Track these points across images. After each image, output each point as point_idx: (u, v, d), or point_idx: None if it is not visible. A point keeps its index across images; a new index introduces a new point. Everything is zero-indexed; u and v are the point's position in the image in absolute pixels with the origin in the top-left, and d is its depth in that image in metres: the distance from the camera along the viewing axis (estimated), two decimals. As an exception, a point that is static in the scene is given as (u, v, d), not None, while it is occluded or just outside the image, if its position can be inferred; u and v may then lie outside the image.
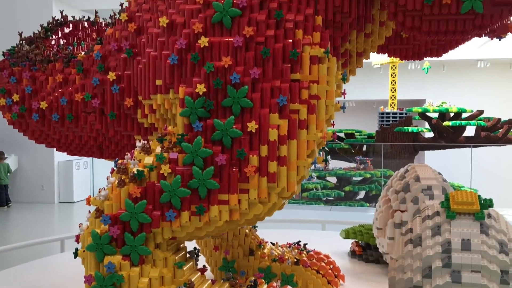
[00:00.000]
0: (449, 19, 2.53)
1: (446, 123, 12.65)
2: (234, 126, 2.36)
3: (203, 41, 2.39)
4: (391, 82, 16.31)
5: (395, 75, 16.34)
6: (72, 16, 4.35)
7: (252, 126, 2.34)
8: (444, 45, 3.43)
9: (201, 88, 2.38)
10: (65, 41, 4.23)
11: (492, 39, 3.35)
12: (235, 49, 2.40)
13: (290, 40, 2.46)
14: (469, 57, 20.27)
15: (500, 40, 3.39)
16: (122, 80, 2.81)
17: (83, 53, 3.24)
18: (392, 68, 16.56)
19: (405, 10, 2.56)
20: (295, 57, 2.41)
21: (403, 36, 3.38)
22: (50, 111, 3.04)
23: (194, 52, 2.43)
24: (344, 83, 2.85)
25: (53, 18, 4.22)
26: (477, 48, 19.25)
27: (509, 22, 2.96)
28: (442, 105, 13.44)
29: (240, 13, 2.43)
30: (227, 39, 2.41)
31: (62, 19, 4.28)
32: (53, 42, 4.09)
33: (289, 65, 2.43)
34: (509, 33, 3.26)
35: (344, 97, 2.84)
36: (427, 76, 21.13)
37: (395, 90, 16.27)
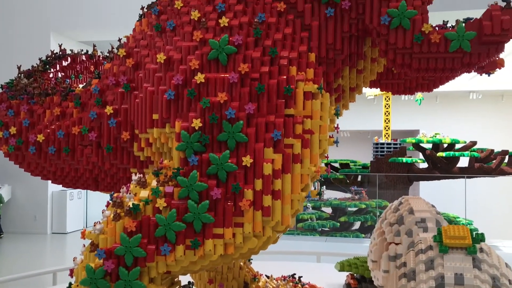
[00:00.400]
0: (438, 57, 2.62)
1: (440, 154, 12.74)
2: (229, 160, 2.39)
3: (200, 77, 2.45)
4: (385, 113, 16.50)
5: (389, 106, 16.54)
6: (70, 50, 4.44)
7: (247, 160, 2.37)
8: (435, 80, 3.51)
9: (197, 123, 2.42)
10: (63, 74, 4.30)
11: (481, 74, 3.43)
12: (231, 85, 2.46)
13: (284, 76, 2.52)
14: (461, 89, 20.56)
15: (489, 75, 3.47)
16: (119, 114, 2.86)
17: (81, 86, 3.30)
18: (385, 99, 16.78)
19: (396, 48, 2.64)
20: (289, 93, 2.47)
21: (394, 72, 3.46)
22: (46, 144, 3.07)
23: (191, 88, 2.49)
24: (337, 118, 2.91)
25: (52, 52, 4.30)
26: (469, 79, 19.55)
27: (497, 58, 3.04)
28: (435, 136, 13.55)
29: (235, 50, 2.50)
30: (223, 75, 2.47)
31: (60, 53, 4.35)
32: (51, 75, 4.15)
33: (283, 100, 2.48)
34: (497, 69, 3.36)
35: (338, 132, 2.90)
36: (421, 107, 21.35)
37: (389, 121, 16.44)
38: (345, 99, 3.17)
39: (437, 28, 2.68)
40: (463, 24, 2.57)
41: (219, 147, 2.44)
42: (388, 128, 16.30)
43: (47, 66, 4.13)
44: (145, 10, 3.14)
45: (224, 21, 2.58)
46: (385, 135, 16.60)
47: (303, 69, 2.61)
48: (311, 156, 2.51)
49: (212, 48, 2.51)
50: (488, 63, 2.97)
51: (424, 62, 2.65)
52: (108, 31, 9.43)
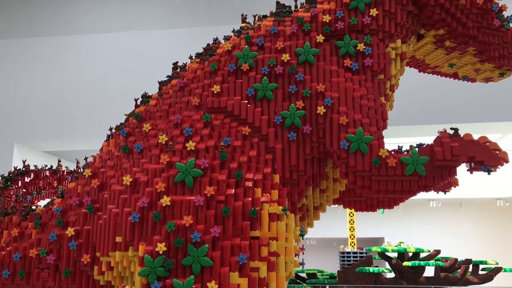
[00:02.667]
0: (396, 180, 2.75)
1: (405, 263, 12.69)
2: (194, 286, 2.32)
3: (165, 200, 2.46)
4: (350, 221, 16.63)
5: (353, 214, 16.74)
6: (34, 165, 4.41)
7: (212, 286, 2.31)
8: (395, 198, 3.64)
9: (161, 247, 2.38)
10: (25, 190, 4.22)
11: (438, 193, 3.58)
12: (196, 208, 2.47)
13: (250, 198, 2.56)
14: (422, 197, 21.18)
15: (445, 193, 3.63)
16: (80, 235, 2.78)
17: (42, 204, 3.23)
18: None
19: (355, 171, 2.76)
20: (254, 215, 2.49)
21: (356, 190, 3.58)
22: (1, 267, 2.91)
23: (156, 211, 2.48)
24: (302, 239, 2.92)
25: (15, 168, 4.26)
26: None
27: (451, 179, 3.18)
28: (400, 245, 13.59)
29: (201, 173, 2.56)
30: (189, 198, 2.49)
31: (24, 168, 4.31)
32: (12, 192, 4.07)
33: (249, 222, 2.50)
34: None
35: (303, 253, 2.90)
36: (384, 214, 21.66)
37: (354, 229, 16.53)
38: (310, 218, 3.22)
39: (393, 152, 2.85)
40: (417, 149, 2.75)
41: (183, 272, 2.38)
42: (354, 237, 16.32)
43: (9, 183, 4.06)
44: (113, 130, 3.22)
45: (191, 144, 2.66)
46: (351, 244, 16.57)
47: (268, 190, 2.68)
48: (277, 280, 2.47)
49: (178, 171, 2.55)
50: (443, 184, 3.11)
51: (383, 184, 2.77)
52: (73, 141, 9.48)
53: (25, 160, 4.41)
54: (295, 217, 3.00)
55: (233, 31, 3.42)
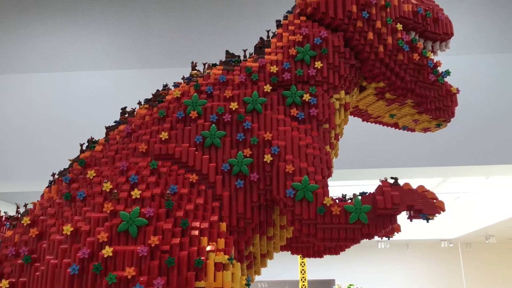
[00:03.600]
0: (340, 227, 2.81)
1: (355, 305, 12.76)
2: None
3: (107, 251, 2.39)
4: (301, 264, 16.62)
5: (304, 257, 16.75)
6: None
7: None
8: (341, 245, 3.69)
9: (101, 300, 2.29)
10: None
11: (382, 238, 3.67)
12: (140, 258, 2.41)
13: (195, 248, 2.53)
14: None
15: (388, 239, 3.73)
16: None
17: None
18: (300, 250, 16.98)
19: (301, 219, 2.80)
20: (199, 265, 2.45)
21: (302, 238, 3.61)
22: None
23: (97, 262, 2.40)
24: (249, 287, 2.89)
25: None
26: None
27: (393, 226, 3.27)
28: (350, 287, 13.68)
29: (146, 222, 2.51)
30: (132, 248, 2.43)
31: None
32: None
33: (194, 273, 2.45)
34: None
35: (250, 301, 2.87)
36: (335, 256, 21.78)
37: (304, 271, 16.51)
38: (257, 266, 3.20)
39: (337, 200, 2.92)
40: (360, 198, 2.83)
41: (124, 326, 2.29)
42: (305, 280, 16.27)
43: None
44: (56, 176, 3.12)
45: (136, 193, 2.62)
46: (302, 286, 16.49)
47: (214, 239, 2.66)
48: (222, 333, 2.42)
49: (122, 220, 2.50)
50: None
51: (328, 232, 2.81)
52: (13, 183, 9.09)
53: (-40, 205, 4.17)
54: (242, 266, 2.98)
55: (183, 78, 3.46)
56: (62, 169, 3.14)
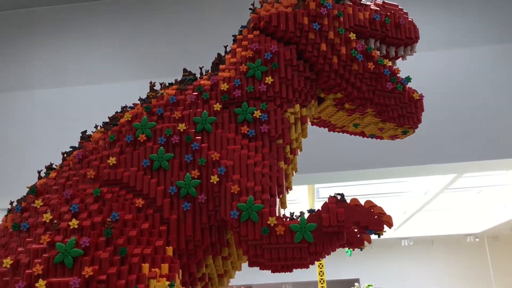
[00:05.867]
0: (287, 247, 2.76)
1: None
2: None
3: (41, 284, 2.39)
4: (319, 265, 16.49)
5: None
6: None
7: None
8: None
9: (34, 334, 2.30)
10: None
11: (354, 249, 3.58)
12: None
13: (135, 276, 2.52)
14: (393, 236, 21.25)
15: (361, 250, 3.63)
16: None
17: None
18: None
19: (247, 240, 2.77)
20: None
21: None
22: None
23: (31, 295, 2.42)
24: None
25: None
26: (398, 226, 20.35)
27: (364, 235, 3.12)
28: (368, 288, 13.51)
29: (82, 253, 2.50)
30: (66, 279, 2.43)
31: None
32: None
33: None
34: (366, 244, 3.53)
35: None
36: (358, 255, 21.55)
37: (323, 273, 16.37)
38: (215, 286, 3.18)
39: (285, 219, 2.87)
40: (305, 216, 2.78)
41: None
42: (323, 281, 16.15)
43: None
44: (14, 204, 3.17)
45: (74, 222, 2.63)
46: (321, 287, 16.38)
47: (158, 264, 2.64)
48: None
49: (58, 252, 2.51)
50: (355, 240, 3.07)
51: (275, 253, 2.77)
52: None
53: None
54: (197, 287, 2.97)
55: (140, 99, 3.47)
56: (21, 197, 3.19)
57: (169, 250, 2.75)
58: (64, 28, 10.40)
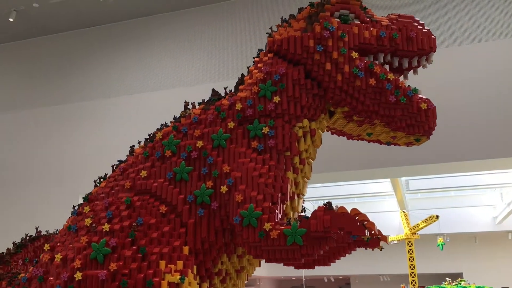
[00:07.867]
0: (282, 249, 3.14)
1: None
2: None
3: (78, 275, 3.04)
4: (409, 259, 16.14)
5: (412, 251, 16.22)
6: (46, 231, 5.24)
7: None
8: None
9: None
10: (33, 253, 5.03)
11: (370, 249, 3.81)
12: (102, 281, 3.00)
13: (152, 270, 3.07)
14: (499, 229, 20.00)
15: (381, 250, 3.85)
16: None
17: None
18: (408, 244, 16.55)
19: (248, 242, 3.19)
20: (150, 285, 2.98)
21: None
22: None
23: (71, 283, 3.06)
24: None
25: (26, 235, 5.09)
26: (502, 219, 19.08)
27: (379, 236, 3.31)
28: (460, 283, 13.05)
29: (110, 251, 3.11)
30: (96, 272, 3.03)
31: (36, 234, 5.13)
32: (21, 257, 4.88)
33: None
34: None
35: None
36: (460, 248, 20.67)
37: (414, 266, 16.00)
38: (233, 280, 3.66)
39: (281, 225, 3.23)
40: (297, 223, 3.12)
41: None
42: (414, 275, 15.80)
43: (19, 249, 4.88)
44: (75, 208, 3.91)
45: (105, 227, 3.26)
46: (411, 282, 16.04)
47: (174, 262, 3.18)
48: None
49: (93, 250, 3.15)
50: (371, 241, 3.32)
51: (272, 254, 3.17)
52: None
53: (37, 226, 5.25)
54: (213, 281, 3.47)
55: (174, 117, 4.02)
56: (80, 203, 3.92)
57: (186, 249, 3.27)
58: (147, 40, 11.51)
